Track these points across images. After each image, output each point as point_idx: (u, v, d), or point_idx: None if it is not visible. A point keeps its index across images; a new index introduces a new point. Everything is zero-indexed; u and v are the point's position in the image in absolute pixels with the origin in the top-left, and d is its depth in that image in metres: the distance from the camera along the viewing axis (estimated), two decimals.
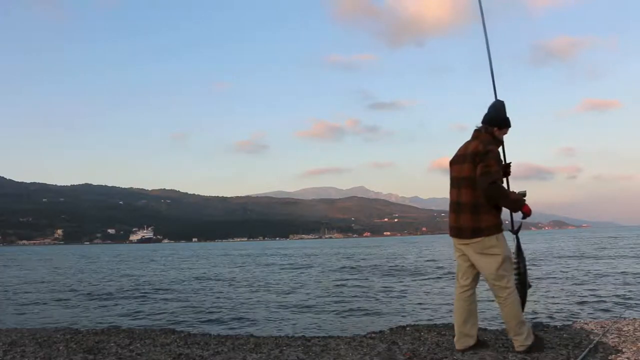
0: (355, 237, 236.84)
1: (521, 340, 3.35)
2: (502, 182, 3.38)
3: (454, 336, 3.64)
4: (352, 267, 17.93)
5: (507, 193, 3.34)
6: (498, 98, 3.59)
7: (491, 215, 3.33)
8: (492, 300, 7.70)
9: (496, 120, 3.46)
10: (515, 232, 3.59)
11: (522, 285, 3.47)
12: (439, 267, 16.35)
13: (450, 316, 6.49)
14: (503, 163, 3.50)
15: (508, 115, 3.50)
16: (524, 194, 3.38)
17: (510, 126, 3.50)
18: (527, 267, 3.61)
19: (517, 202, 3.33)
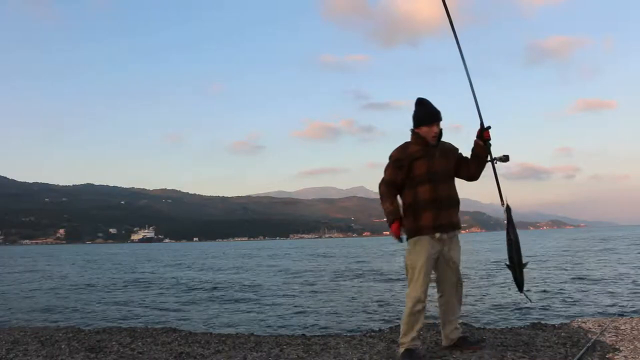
0: (355, 236, 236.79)
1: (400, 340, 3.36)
2: (391, 187, 3.29)
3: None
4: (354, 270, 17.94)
5: (384, 200, 3.29)
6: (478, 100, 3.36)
7: (407, 219, 3.29)
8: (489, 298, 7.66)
9: (414, 120, 3.35)
10: (507, 208, 3.34)
11: (512, 264, 3.29)
12: None
13: None
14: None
15: (485, 115, 3.29)
16: (504, 159, 3.26)
17: (426, 123, 3.26)
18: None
19: (386, 215, 3.28)
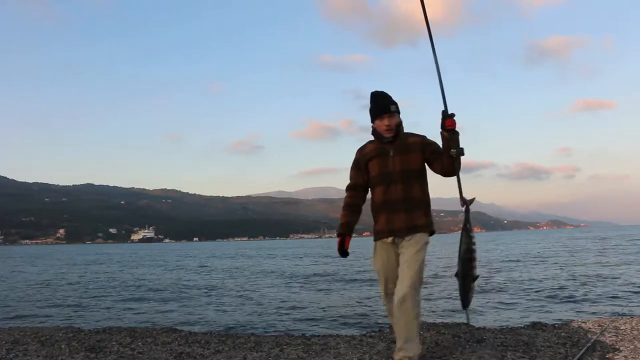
0: (355, 236, 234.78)
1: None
2: (354, 191, 3.20)
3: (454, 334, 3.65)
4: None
5: (342, 209, 3.25)
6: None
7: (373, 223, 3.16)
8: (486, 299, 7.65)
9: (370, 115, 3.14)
10: (465, 204, 2.96)
11: (463, 274, 2.86)
12: (438, 267, 16.37)
13: (450, 315, 6.52)
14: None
15: (448, 108, 2.96)
16: (457, 153, 2.86)
17: (376, 116, 3.06)
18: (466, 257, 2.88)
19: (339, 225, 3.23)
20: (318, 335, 4.76)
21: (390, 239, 3.01)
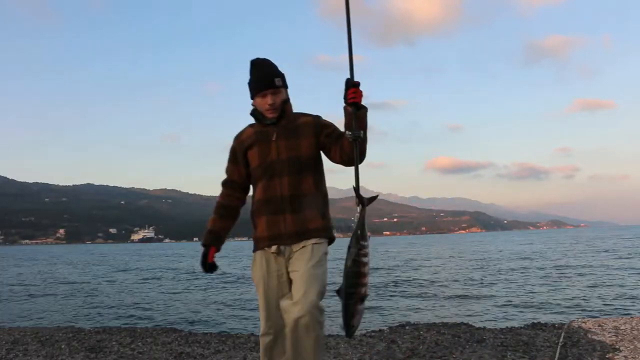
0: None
1: None
2: (228, 189, 2.48)
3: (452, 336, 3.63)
4: None
5: (213, 210, 2.54)
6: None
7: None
8: (489, 298, 7.66)
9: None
10: (361, 203, 2.17)
11: (347, 292, 2.06)
12: (432, 267, 16.37)
13: (450, 315, 6.52)
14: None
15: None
16: (355, 136, 2.10)
17: (256, 91, 2.29)
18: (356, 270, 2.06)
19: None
20: None
21: (274, 248, 2.29)
